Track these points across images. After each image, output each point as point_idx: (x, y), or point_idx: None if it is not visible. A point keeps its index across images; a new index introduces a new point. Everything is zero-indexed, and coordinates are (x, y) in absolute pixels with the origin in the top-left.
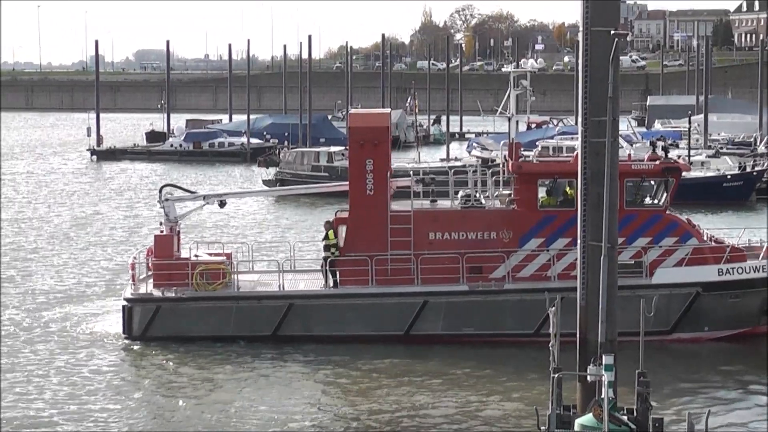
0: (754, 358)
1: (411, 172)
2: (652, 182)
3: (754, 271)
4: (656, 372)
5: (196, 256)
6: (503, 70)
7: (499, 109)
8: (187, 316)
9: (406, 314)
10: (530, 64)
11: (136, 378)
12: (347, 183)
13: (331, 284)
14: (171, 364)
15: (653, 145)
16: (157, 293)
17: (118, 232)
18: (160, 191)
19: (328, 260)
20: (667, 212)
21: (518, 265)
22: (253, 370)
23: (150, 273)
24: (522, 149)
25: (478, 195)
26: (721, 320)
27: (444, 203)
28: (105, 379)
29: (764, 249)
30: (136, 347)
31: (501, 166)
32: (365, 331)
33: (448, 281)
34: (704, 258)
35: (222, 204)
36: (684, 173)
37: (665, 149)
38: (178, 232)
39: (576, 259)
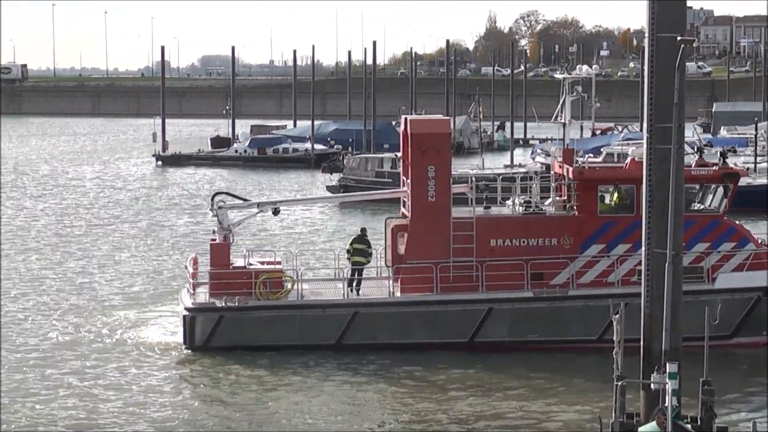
0: None
1: (471, 179)
2: (696, 187)
3: None
4: (717, 378)
5: (250, 264)
6: (556, 76)
7: (554, 116)
8: (251, 326)
9: (470, 321)
10: (585, 70)
11: (201, 388)
12: (400, 190)
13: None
14: (236, 374)
15: (701, 151)
16: (218, 303)
17: (180, 239)
18: (212, 199)
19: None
20: (725, 218)
21: (579, 271)
22: (318, 380)
23: (197, 281)
24: (582, 155)
25: (536, 202)
26: None
27: (498, 210)
28: (171, 389)
29: None
30: (199, 357)
31: (552, 172)
32: (429, 339)
33: (512, 288)
34: (761, 263)
35: (276, 212)
36: (749, 181)
37: (723, 155)
38: (232, 240)
39: (636, 265)
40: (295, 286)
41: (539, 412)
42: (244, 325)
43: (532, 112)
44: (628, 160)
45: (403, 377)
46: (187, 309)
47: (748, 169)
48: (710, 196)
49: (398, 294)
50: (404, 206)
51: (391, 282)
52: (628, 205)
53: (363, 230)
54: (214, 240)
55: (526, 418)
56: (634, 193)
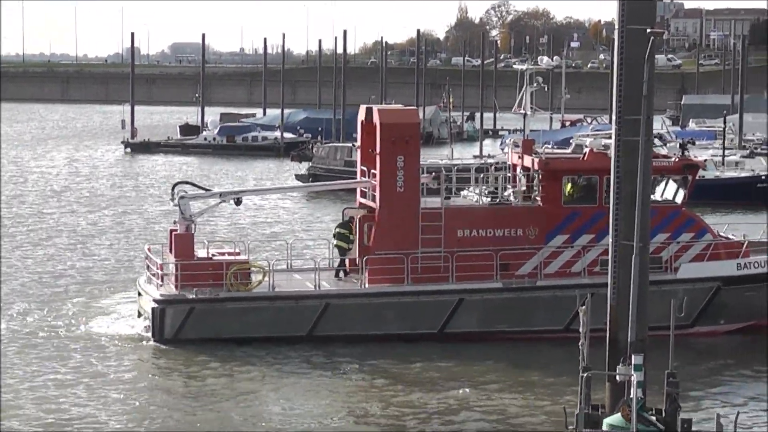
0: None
1: (425, 169)
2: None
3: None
4: (680, 367)
5: (213, 255)
6: (515, 67)
7: (515, 107)
8: (222, 318)
9: (441, 312)
10: (545, 61)
11: (172, 382)
12: (364, 180)
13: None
14: (207, 367)
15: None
16: (188, 294)
17: (147, 227)
18: (173, 189)
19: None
20: (683, 209)
21: (544, 261)
22: (289, 373)
23: (157, 272)
24: (541, 145)
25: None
26: (736, 314)
27: (461, 200)
28: (141, 385)
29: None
30: (169, 350)
31: (509, 163)
32: (400, 330)
33: (481, 278)
34: (718, 253)
35: (238, 202)
36: (718, 174)
37: (683, 146)
38: (194, 230)
39: (599, 255)
40: (266, 277)
41: (505, 403)
42: (215, 317)
43: (494, 102)
44: (587, 150)
45: (375, 370)
46: (156, 301)
47: (705, 161)
48: (660, 187)
49: (366, 285)
50: (363, 196)
51: (361, 273)
52: (591, 196)
53: (351, 218)
54: (175, 230)
55: (491, 410)
56: (597, 184)
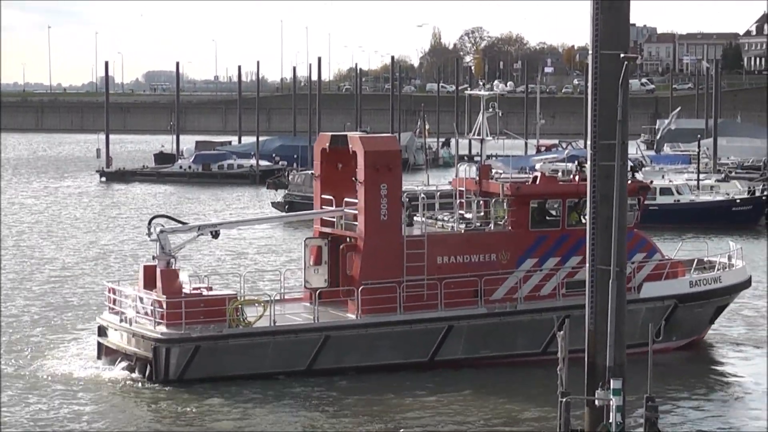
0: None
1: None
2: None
3: (714, 282)
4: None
5: (197, 289)
6: (467, 92)
7: (473, 133)
8: (226, 355)
9: (431, 340)
10: (500, 87)
11: (181, 424)
12: (337, 209)
13: None
14: (215, 406)
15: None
16: (194, 332)
17: (120, 259)
18: (149, 224)
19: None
20: (635, 230)
21: (515, 286)
22: (288, 410)
23: (154, 310)
24: (495, 171)
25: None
26: (686, 330)
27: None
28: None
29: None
30: (173, 391)
31: (462, 188)
32: (393, 360)
33: (464, 305)
34: (668, 272)
35: (216, 234)
36: (693, 198)
37: (633, 169)
38: (174, 265)
39: (565, 278)
40: (267, 311)
41: (484, 428)
42: (219, 355)
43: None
44: (537, 174)
45: (370, 402)
46: (157, 340)
47: (649, 182)
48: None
49: (350, 316)
50: (323, 225)
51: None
52: (555, 220)
53: None
54: (150, 266)
55: None
56: (560, 208)
